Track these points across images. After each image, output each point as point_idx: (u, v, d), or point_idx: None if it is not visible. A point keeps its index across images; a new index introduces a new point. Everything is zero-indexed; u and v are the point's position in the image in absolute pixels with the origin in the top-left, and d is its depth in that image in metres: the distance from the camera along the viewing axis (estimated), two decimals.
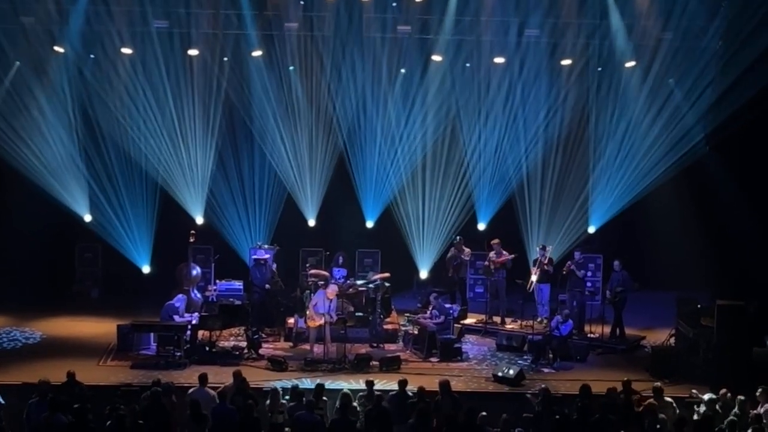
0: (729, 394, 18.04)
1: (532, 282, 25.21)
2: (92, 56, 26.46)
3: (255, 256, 25.28)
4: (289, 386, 18.79)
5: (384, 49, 26.52)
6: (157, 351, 22.47)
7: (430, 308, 23.88)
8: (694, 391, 18.94)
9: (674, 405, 17.96)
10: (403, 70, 27.03)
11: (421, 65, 26.87)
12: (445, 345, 23.06)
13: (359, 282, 25.15)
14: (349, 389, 18.22)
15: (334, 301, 23.15)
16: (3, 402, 17.64)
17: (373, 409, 16.98)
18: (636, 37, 25.72)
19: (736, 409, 17.51)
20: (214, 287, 26.03)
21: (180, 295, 23.88)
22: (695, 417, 17.70)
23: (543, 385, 18.69)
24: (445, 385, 18.20)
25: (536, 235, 27.06)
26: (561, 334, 22.74)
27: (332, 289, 23.30)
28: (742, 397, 17.70)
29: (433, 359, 22.95)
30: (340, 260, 25.81)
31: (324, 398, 17.86)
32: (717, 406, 17.79)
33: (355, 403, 17.57)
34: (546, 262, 25.10)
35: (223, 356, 22.58)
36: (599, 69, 26.74)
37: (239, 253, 27.69)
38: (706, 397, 18.20)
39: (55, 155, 26.71)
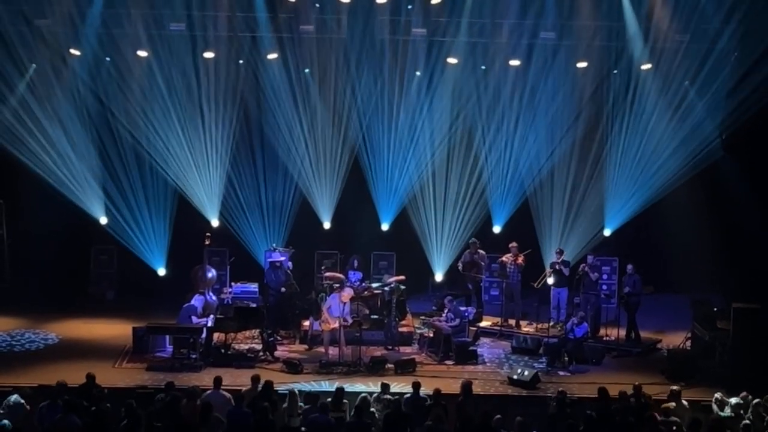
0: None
1: (543, 279, 25.21)
2: (108, 59, 26.52)
3: (270, 259, 25.28)
4: (305, 390, 18.88)
5: (399, 51, 26.53)
6: (172, 353, 22.49)
7: (446, 311, 23.85)
8: (718, 394, 18.83)
9: (689, 408, 17.92)
10: (418, 73, 27.02)
11: (436, 68, 26.86)
12: (460, 348, 23.06)
13: (374, 285, 25.14)
14: (367, 392, 18.26)
15: (348, 304, 23.18)
16: (23, 402, 17.66)
17: (392, 414, 16.99)
18: (652, 40, 25.66)
19: (750, 413, 17.52)
20: (230, 290, 26.00)
21: (197, 296, 23.92)
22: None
23: (561, 389, 18.77)
24: (467, 386, 18.26)
25: (552, 238, 27.03)
26: (576, 336, 22.73)
27: (347, 293, 23.34)
28: (758, 400, 17.70)
29: (448, 362, 22.95)
30: (356, 263, 25.80)
31: (345, 401, 17.91)
32: (742, 411, 17.76)
33: (372, 409, 17.60)
34: (559, 262, 25.09)
35: (239, 359, 22.61)
36: (615, 71, 26.70)
37: (254, 255, 27.72)
38: (733, 400, 18.15)
39: (70, 157, 26.75)
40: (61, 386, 17.57)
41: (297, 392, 18.26)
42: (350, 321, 23.02)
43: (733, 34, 25.07)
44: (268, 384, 18.14)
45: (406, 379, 20.93)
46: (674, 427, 16.86)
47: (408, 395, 18.32)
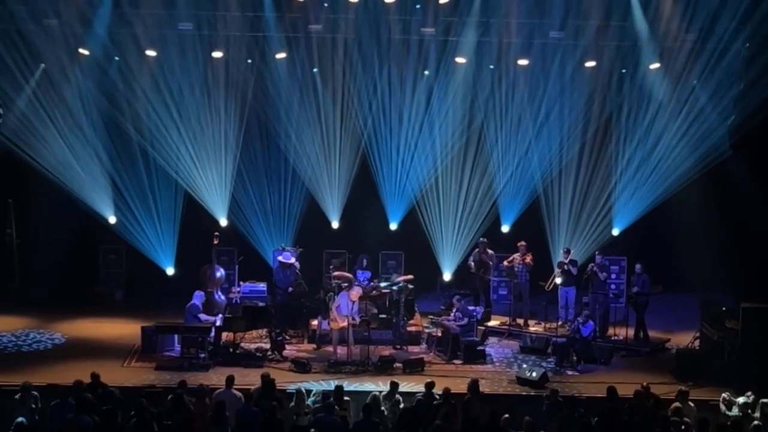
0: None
1: (553, 281, 25.19)
2: (117, 58, 26.56)
3: (281, 259, 25.23)
4: (314, 389, 18.91)
5: (407, 50, 26.53)
6: (181, 353, 22.49)
7: (454, 310, 23.85)
8: (726, 394, 18.83)
9: (695, 409, 17.88)
10: (426, 72, 27.03)
11: (445, 67, 26.85)
12: (468, 347, 23.06)
13: (383, 284, 25.12)
14: (377, 392, 18.26)
15: (356, 303, 23.18)
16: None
17: (407, 411, 17.05)
18: (660, 39, 25.62)
19: (758, 413, 17.51)
20: (238, 289, 26.03)
21: (197, 292, 23.82)
22: (726, 419, 17.68)
23: (553, 388, 18.89)
24: (473, 385, 18.27)
25: (561, 238, 27.01)
26: (582, 335, 22.70)
27: (356, 291, 23.34)
28: (766, 401, 17.67)
29: (456, 361, 22.95)
30: (364, 263, 25.76)
31: (346, 398, 17.93)
32: (749, 410, 17.75)
33: (383, 408, 17.60)
34: (567, 262, 25.07)
35: (247, 358, 22.61)
36: (623, 71, 26.67)
37: (263, 255, 27.74)
38: (740, 400, 18.14)
39: (79, 157, 26.81)
40: (79, 385, 17.68)
41: (305, 391, 18.27)
42: (358, 320, 23.02)
43: (742, 33, 25.03)
44: (268, 382, 18.14)
45: (414, 379, 20.98)
46: (683, 427, 16.84)
47: (420, 394, 18.32)
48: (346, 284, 23.97)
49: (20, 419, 16.26)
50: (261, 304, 24.81)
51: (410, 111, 27.25)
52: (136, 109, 26.84)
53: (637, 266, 24.49)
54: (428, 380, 18.70)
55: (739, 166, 26.63)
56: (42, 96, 26.48)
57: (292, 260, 25.15)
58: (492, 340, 24.82)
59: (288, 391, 19.07)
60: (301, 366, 21.97)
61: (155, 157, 27.15)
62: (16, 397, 17.62)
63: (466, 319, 23.48)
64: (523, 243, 25.81)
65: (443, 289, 27.85)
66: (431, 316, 25.44)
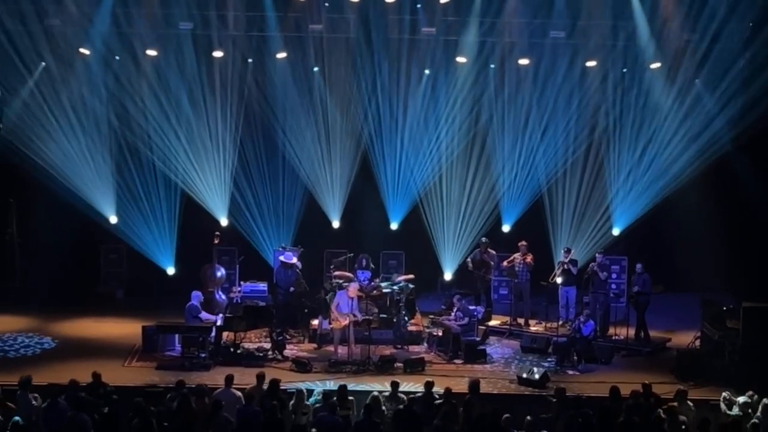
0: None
1: (553, 278, 25.14)
2: (117, 58, 26.56)
3: (282, 259, 25.21)
4: (314, 388, 18.90)
5: (408, 50, 26.54)
6: (182, 352, 22.48)
7: (455, 310, 23.86)
8: (726, 393, 18.81)
9: (693, 409, 17.87)
10: (427, 72, 27.03)
11: (446, 67, 26.85)
12: (469, 347, 23.04)
13: (383, 284, 25.10)
14: (378, 392, 18.24)
15: (355, 300, 23.17)
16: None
17: (402, 412, 17.02)
18: (661, 38, 25.62)
19: (759, 413, 17.49)
20: (239, 289, 26.01)
21: (195, 293, 23.78)
22: (726, 419, 17.67)
23: (561, 386, 18.79)
24: (474, 385, 18.25)
25: (562, 238, 26.99)
26: (582, 335, 22.68)
27: (353, 288, 23.33)
28: (767, 401, 17.66)
29: (457, 361, 22.92)
30: (364, 263, 25.69)
31: (350, 398, 17.93)
32: (749, 410, 17.75)
33: (383, 407, 17.58)
34: (567, 261, 25.05)
35: (248, 357, 22.56)
36: (624, 70, 26.67)
37: (263, 254, 27.72)
38: (741, 399, 18.14)
39: (80, 156, 26.81)
40: (74, 384, 17.68)
41: (304, 390, 18.27)
42: (360, 316, 23.02)
43: (743, 32, 25.04)
44: (275, 383, 18.13)
45: (415, 378, 20.95)
46: (683, 427, 16.83)
47: (419, 394, 18.32)
48: (346, 284, 23.97)
49: (16, 418, 16.22)
50: (262, 303, 24.80)
51: (411, 110, 27.25)
52: (136, 109, 26.83)
53: (638, 266, 24.46)
54: (428, 380, 18.69)
55: (740, 166, 26.63)
56: (43, 95, 26.47)
57: (294, 260, 25.17)
58: (492, 339, 24.82)
59: (288, 390, 19.04)
60: (302, 366, 21.95)
61: (155, 157, 27.15)
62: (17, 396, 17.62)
63: (466, 319, 23.49)
64: (523, 243, 25.80)
65: (444, 288, 27.87)
66: (432, 316, 25.45)
